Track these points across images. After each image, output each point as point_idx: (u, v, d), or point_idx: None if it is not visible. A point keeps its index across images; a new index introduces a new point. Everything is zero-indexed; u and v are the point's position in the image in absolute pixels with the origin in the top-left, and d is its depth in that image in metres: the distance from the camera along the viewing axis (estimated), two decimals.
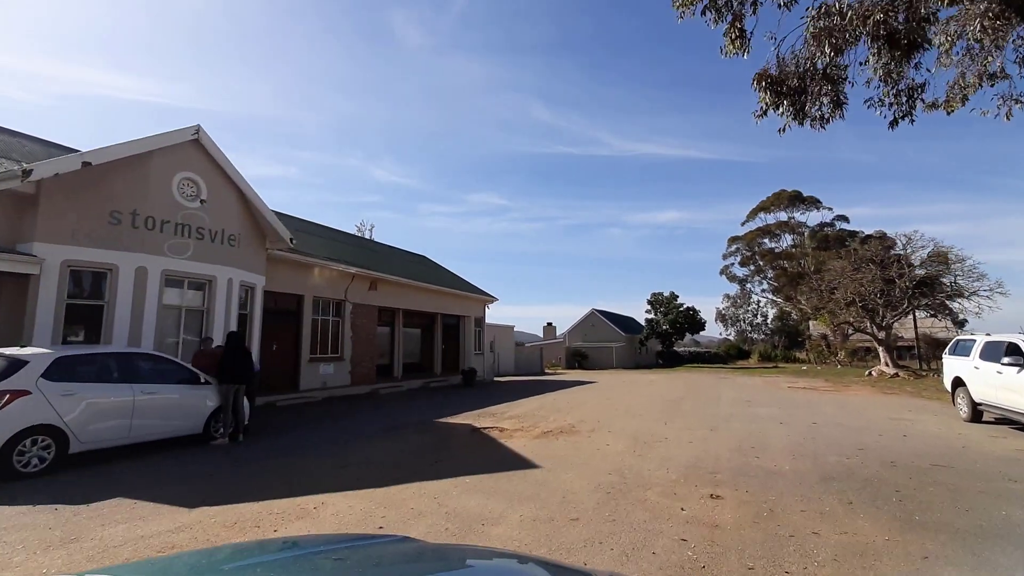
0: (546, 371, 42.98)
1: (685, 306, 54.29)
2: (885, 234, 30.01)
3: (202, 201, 11.03)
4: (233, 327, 11.87)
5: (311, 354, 15.67)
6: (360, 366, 17.54)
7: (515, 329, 42.21)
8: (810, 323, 53.76)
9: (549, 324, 56.59)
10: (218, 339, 11.26)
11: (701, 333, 62.19)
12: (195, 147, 11.20)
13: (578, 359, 49.85)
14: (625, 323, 58.26)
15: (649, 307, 56.07)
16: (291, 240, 13.47)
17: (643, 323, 56.89)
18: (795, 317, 60.61)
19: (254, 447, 8.30)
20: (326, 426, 10.63)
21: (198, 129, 11.12)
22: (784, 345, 62.90)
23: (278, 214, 16.73)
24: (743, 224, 60.67)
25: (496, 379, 28.19)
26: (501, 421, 10.90)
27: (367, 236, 57.71)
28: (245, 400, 9.03)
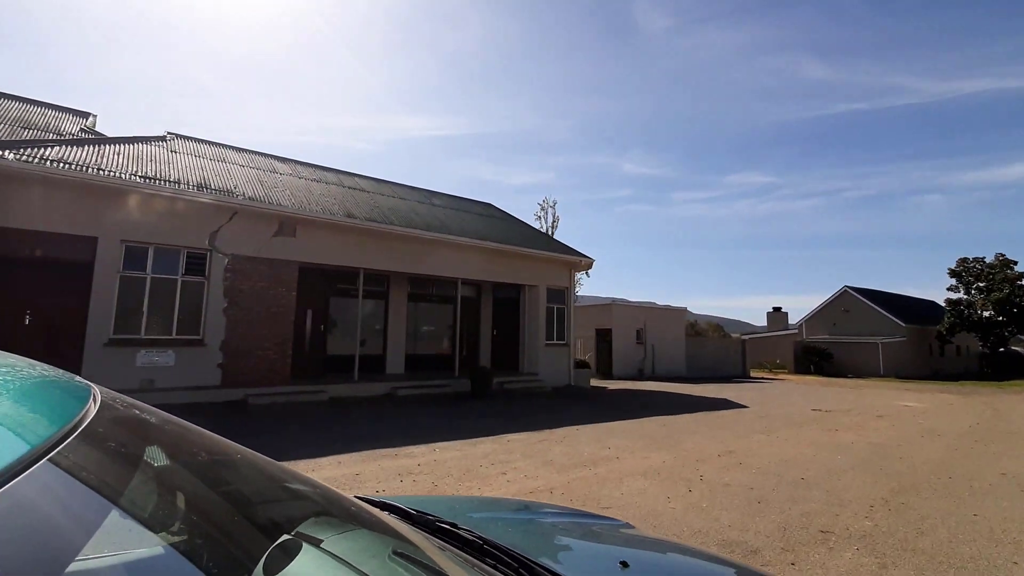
0: (751, 375, 29.48)
1: None
2: None
3: None
4: None
5: (116, 333, 9.70)
6: (246, 357, 10.87)
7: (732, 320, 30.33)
8: None
9: (777, 310, 40.99)
10: None
11: None
12: None
13: (814, 359, 33.86)
14: (905, 307, 38.21)
15: (954, 281, 35.05)
16: None
17: (945, 307, 35.87)
18: None
19: None
20: None
21: None
22: None
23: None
24: None
25: (604, 385, 18.21)
26: None
27: (549, 215, 51.55)
28: None
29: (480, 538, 1.17)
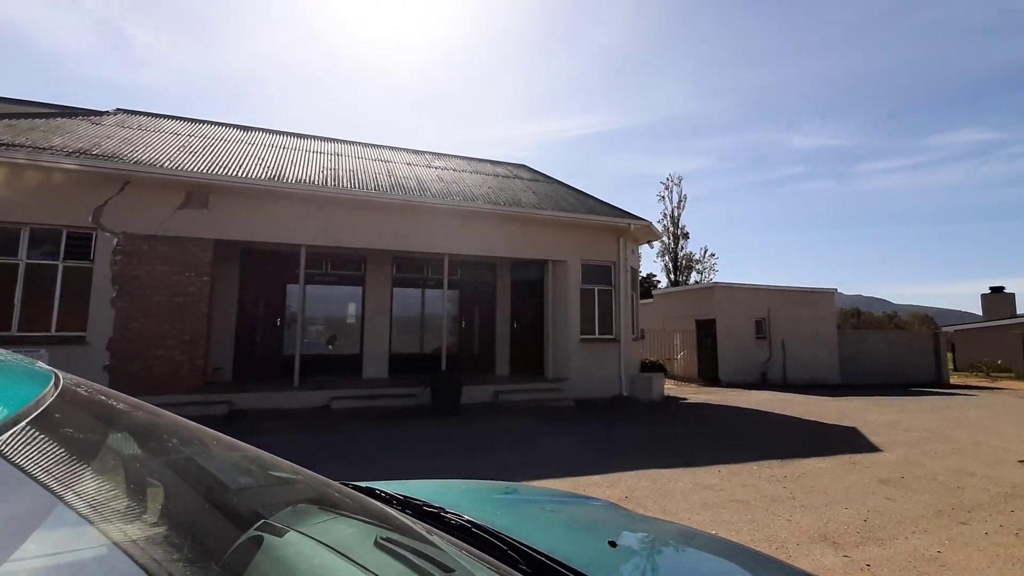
0: (951, 383, 20.81)
1: None
2: None
3: None
4: None
5: None
6: (142, 359, 8.80)
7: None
8: None
9: (996, 290, 29.87)
10: None
11: None
12: None
13: None
14: None
15: None
16: None
17: None
18: None
19: None
20: None
21: None
22: None
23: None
24: None
25: (687, 396, 13.23)
26: None
27: (675, 194, 45.39)
28: None
29: (469, 521, 1.16)
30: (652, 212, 46.45)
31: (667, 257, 45.39)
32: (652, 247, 55.53)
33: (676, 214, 45.15)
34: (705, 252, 44.81)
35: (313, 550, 0.82)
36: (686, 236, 45.50)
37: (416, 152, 14.36)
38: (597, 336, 12.22)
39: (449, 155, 14.82)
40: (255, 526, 0.83)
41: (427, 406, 9.53)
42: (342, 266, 11.67)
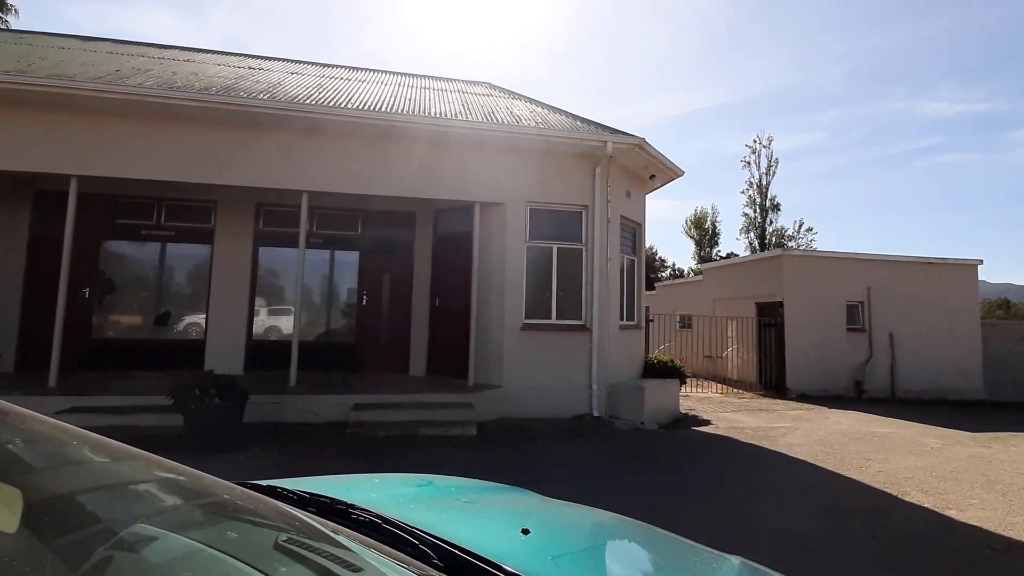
0: None
1: None
2: None
3: None
4: None
5: None
6: None
7: None
8: None
9: None
10: None
11: None
12: None
13: None
14: None
15: None
16: None
17: None
18: None
19: None
20: None
21: None
22: None
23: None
24: None
25: (720, 416, 8.49)
26: None
27: (763, 158, 38.15)
28: None
29: (378, 517, 1.08)
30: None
31: (752, 233, 38.27)
32: (690, 215, 47.90)
33: (764, 182, 37.66)
34: (800, 226, 37.09)
35: (202, 557, 0.72)
36: (776, 208, 37.96)
37: (325, 65, 10.54)
38: (553, 321, 7.83)
39: (383, 71, 10.78)
40: (128, 530, 0.73)
41: (201, 432, 5.77)
42: (182, 216, 8.27)
